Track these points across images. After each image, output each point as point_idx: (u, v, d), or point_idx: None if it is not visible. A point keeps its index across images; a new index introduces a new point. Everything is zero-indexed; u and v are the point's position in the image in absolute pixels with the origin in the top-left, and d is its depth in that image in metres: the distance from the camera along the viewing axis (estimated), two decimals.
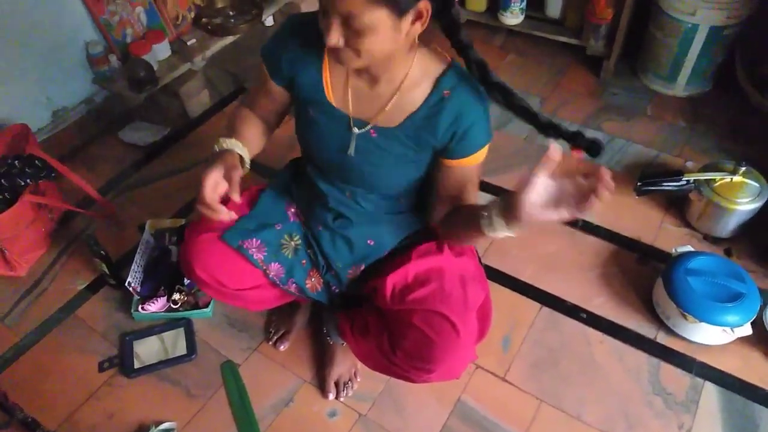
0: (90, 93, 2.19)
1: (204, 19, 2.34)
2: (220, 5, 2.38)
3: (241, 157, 1.15)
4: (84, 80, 2.15)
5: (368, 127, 1.13)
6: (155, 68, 2.12)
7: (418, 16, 0.96)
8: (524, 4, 2.42)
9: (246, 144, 1.18)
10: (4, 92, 1.94)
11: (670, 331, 1.57)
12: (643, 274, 1.71)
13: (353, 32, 0.94)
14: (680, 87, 2.25)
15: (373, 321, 1.30)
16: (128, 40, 2.16)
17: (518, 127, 2.19)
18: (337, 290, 1.37)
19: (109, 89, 2.15)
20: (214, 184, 1.05)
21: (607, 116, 2.21)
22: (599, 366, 1.53)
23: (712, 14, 2.01)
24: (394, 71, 1.08)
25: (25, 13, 1.90)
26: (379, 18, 0.92)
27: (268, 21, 2.48)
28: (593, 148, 1.07)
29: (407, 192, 1.26)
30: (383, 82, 1.10)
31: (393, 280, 1.23)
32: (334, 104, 1.15)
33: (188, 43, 2.25)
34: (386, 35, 0.95)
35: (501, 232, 1.00)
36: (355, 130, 1.14)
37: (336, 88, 1.14)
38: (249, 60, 2.50)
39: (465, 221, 1.10)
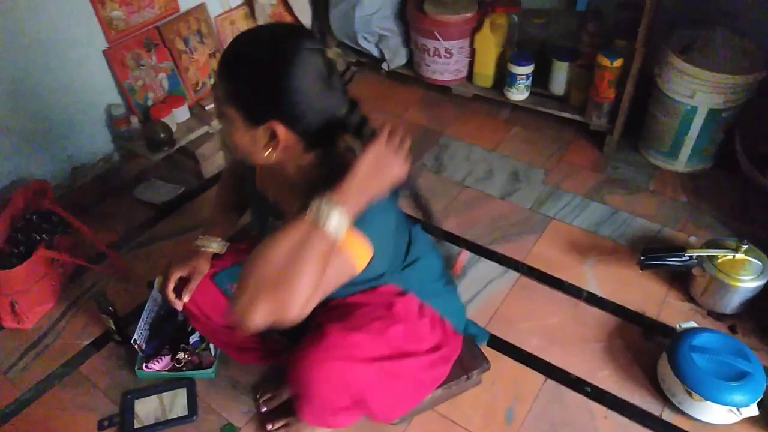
0: (109, 151, 2.24)
1: None
2: None
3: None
4: (104, 139, 2.21)
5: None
6: (174, 130, 2.19)
7: (273, 136, 0.98)
8: (530, 81, 2.49)
9: (223, 227, 1.43)
10: (27, 149, 2.00)
11: (675, 409, 1.54)
12: (648, 349, 1.69)
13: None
14: (681, 163, 2.29)
15: None
16: (149, 103, 2.23)
17: (523, 197, 2.22)
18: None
19: (128, 149, 2.20)
20: (175, 281, 1.35)
21: (609, 189, 2.24)
22: None
23: (710, 98, 2.07)
24: (287, 173, 1.10)
25: (54, 73, 1.97)
26: (234, 114, 0.98)
27: None
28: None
29: None
30: (289, 179, 1.12)
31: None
32: (258, 188, 1.27)
33: (206, 108, 2.33)
34: (242, 133, 1.00)
35: (332, 218, 0.91)
36: (270, 219, 1.24)
37: (262, 176, 1.26)
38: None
39: (283, 235, 0.92)
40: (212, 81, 2.44)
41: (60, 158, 2.11)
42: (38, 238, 1.78)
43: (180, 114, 2.24)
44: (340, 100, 0.99)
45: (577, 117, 2.44)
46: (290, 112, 0.96)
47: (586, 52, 2.35)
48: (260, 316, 0.86)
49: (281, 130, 0.97)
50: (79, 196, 2.16)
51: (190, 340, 1.70)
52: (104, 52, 2.08)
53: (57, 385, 1.67)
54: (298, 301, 0.87)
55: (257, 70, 0.94)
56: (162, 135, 2.10)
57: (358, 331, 1.21)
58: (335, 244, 0.92)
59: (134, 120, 2.16)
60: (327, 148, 1.06)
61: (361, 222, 0.98)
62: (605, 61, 2.20)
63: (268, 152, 1.01)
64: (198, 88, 2.40)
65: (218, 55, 2.43)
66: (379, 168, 0.96)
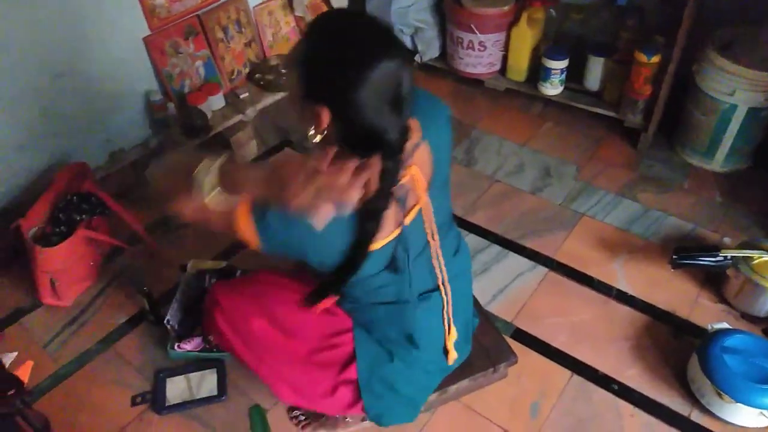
0: (146, 137, 2.28)
1: (257, 75, 2.44)
2: (273, 63, 2.49)
3: None
4: (142, 125, 2.25)
5: None
6: (209, 117, 2.22)
7: (317, 115, 0.95)
8: (564, 76, 2.46)
9: None
10: (69, 132, 2.05)
11: (704, 410, 1.52)
12: (678, 349, 1.67)
13: None
14: (718, 163, 2.25)
15: None
16: (186, 90, 2.26)
17: (553, 192, 2.20)
18: None
19: (165, 134, 2.24)
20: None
21: (642, 187, 2.21)
22: None
23: (750, 96, 2.02)
24: None
25: (96, 59, 2.01)
26: (296, 78, 0.98)
27: None
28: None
29: None
30: None
31: None
32: None
33: (241, 96, 2.35)
34: (294, 97, 1.00)
35: (207, 183, 1.02)
36: None
37: None
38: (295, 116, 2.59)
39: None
40: (249, 70, 2.47)
41: (99, 142, 2.15)
42: (78, 218, 1.82)
43: (215, 102, 2.27)
44: (395, 124, 0.95)
45: (611, 113, 2.40)
46: (342, 111, 0.94)
47: (623, 47, 2.31)
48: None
49: (326, 117, 0.95)
50: (117, 180, 2.21)
51: None
52: (144, 39, 2.11)
53: (93, 360, 1.72)
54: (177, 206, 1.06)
55: (337, 58, 0.92)
56: (198, 121, 2.13)
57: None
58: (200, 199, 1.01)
59: (171, 106, 2.19)
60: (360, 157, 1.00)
61: (262, 216, 1.01)
62: (642, 57, 2.17)
63: (310, 131, 0.99)
64: (233, 77, 2.42)
65: (254, 45, 2.46)
66: (291, 184, 0.92)
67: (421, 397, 1.40)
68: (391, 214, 1.05)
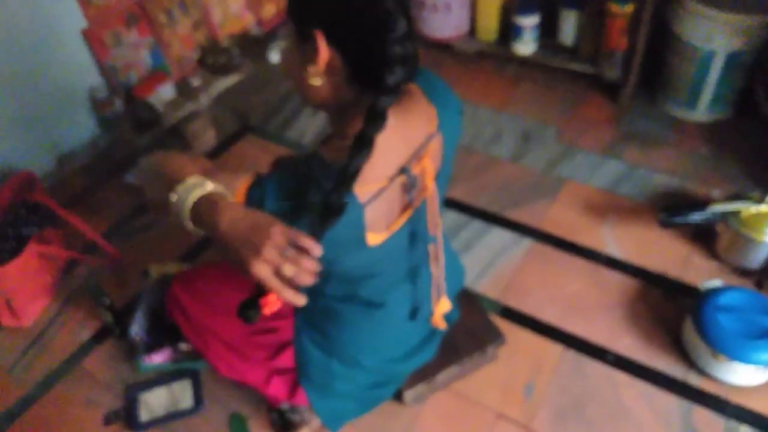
0: (95, 137, 2.25)
1: (209, 59, 2.41)
2: (225, 44, 2.46)
3: None
4: (89, 124, 2.22)
5: None
6: (161, 110, 2.19)
7: (314, 45, 0.93)
8: (536, 33, 2.46)
9: None
10: (10, 139, 2.02)
11: (701, 372, 1.56)
12: (671, 312, 1.70)
13: None
14: (701, 113, 2.27)
15: None
16: (133, 82, 2.23)
17: (535, 159, 2.21)
18: None
19: (114, 132, 2.21)
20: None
21: (626, 145, 2.23)
22: (628, 411, 1.52)
23: (728, 41, 2.04)
24: (331, 118, 1.08)
25: (29, 59, 1.97)
26: (291, 29, 0.97)
27: (273, 58, 2.54)
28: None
29: None
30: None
31: None
32: None
33: (193, 84, 2.32)
34: (294, 54, 0.98)
35: (183, 213, 0.94)
36: None
37: None
38: (254, 98, 2.57)
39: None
40: (199, 54, 2.43)
41: (45, 147, 2.12)
42: (28, 232, 1.79)
43: (165, 92, 2.24)
44: (391, 14, 0.89)
45: (588, 69, 2.41)
46: (330, 18, 0.91)
47: None
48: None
49: (322, 42, 0.92)
50: (68, 186, 2.18)
51: None
52: (83, 31, 2.07)
53: (61, 381, 1.71)
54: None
55: None
56: (146, 115, 2.10)
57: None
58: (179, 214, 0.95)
59: (118, 102, 2.16)
60: (370, 90, 0.94)
61: (253, 192, 0.98)
62: (616, 7, 2.18)
63: (313, 74, 0.95)
64: (182, 63, 2.39)
65: (202, 28, 2.42)
66: (262, 243, 0.84)
67: (368, 398, 1.41)
68: (396, 204, 1.06)
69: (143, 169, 1.14)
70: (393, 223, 1.08)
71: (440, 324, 1.37)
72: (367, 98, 0.92)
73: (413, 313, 1.29)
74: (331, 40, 0.92)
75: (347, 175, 0.88)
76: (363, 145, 0.89)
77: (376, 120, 0.90)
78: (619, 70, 2.34)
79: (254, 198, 0.97)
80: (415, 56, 0.94)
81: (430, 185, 1.11)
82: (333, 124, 1.07)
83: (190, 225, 0.94)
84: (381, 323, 1.26)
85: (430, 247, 1.23)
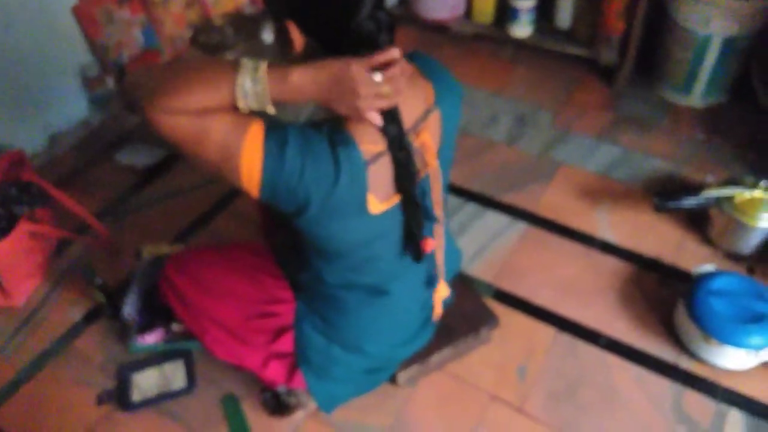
0: (86, 116, 2.22)
1: (201, 38, 2.37)
2: (218, 23, 2.42)
3: None
4: (80, 103, 2.19)
5: None
6: None
7: (289, 33, 0.99)
8: (533, 15, 2.44)
9: None
10: (1, 117, 1.98)
11: (692, 356, 1.57)
12: (664, 296, 1.71)
13: None
14: (696, 98, 2.26)
15: None
16: (125, 61, 2.19)
17: (530, 142, 2.20)
18: None
19: (106, 111, 2.18)
20: None
21: (622, 129, 2.22)
22: (620, 394, 1.53)
23: (725, 25, 2.03)
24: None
25: (19, 37, 1.94)
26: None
27: (267, 38, 2.51)
28: None
29: None
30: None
31: None
32: None
33: None
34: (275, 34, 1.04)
35: (251, 82, 0.91)
36: None
37: None
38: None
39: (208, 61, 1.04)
40: (192, 33, 2.40)
41: (36, 126, 2.09)
42: (18, 211, 1.77)
43: None
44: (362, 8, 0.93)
45: (584, 53, 2.40)
46: (298, 8, 0.96)
47: None
48: (145, 95, 0.93)
49: (295, 31, 0.97)
50: (59, 165, 2.15)
51: None
52: (73, 8, 2.03)
53: (52, 361, 1.70)
54: (167, 98, 0.92)
55: None
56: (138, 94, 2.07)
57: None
58: (232, 102, 0.93)
59: (109, 81, 2.13)
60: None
61: (275, 135, 0.96)
62: None
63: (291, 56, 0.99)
64: (175, 42, 2.35)
65: (196, 6, 2.38)
66: (355, 86, 0.91)
67: (364, 382, 1.42)
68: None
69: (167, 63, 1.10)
70: (392, 196, 1.08)
71: (438, 310, 1.38)
72: None
73: (429, 282, 1.31)
74: (304, 28, 0.96)
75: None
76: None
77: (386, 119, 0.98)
78: (615, 54, 2.33)
79: (276, 139, 0.96)
80: (391, 22, 0.98)
81: (433, 162, 1.11)
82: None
83: (271, 108, 0.93)
84: (385, 310, 1.26)
85: (435, 228, 1.22)
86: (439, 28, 2.65)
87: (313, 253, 1.18)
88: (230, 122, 0.94)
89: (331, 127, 1.00)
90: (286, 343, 1.31)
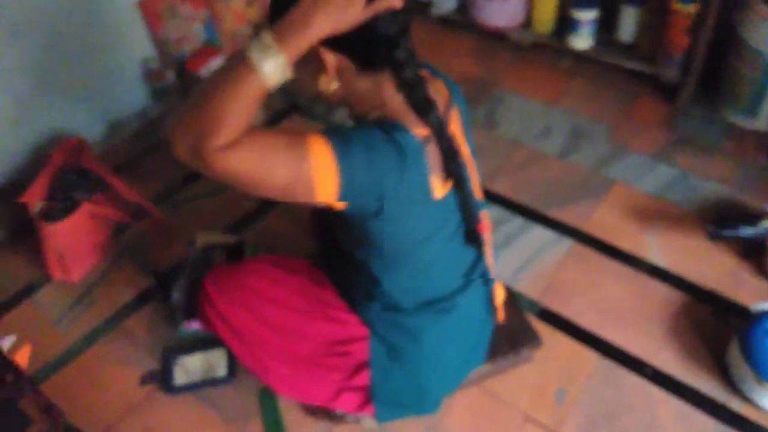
0: (146, 107, 2.23)
1: None
2: None
3: None
4: (140, 94, 2.20)
5: None
6: None
7: (320, 58, 0.98)
8: (594, 27, 2.31)
9: None
10: (64, 105, 2.01)
11: (743, 398, 1.44)
12: (717, 331, 1.58)
13: None
14: (762, 121, 2.10)
15: None
16: (185, 55, 2.17)
17: (583, 157, 2.09)
18: None
19: (164, 103, 2.17)
20: None
21: (680, 150, 2.08)
22: (662, 428, 1.42)
23: None
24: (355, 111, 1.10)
25: (86, 28, 1.96)
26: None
27: None
28: None
29: None
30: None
31: None
32: None
33: None
34: (301, 68, 0.98)
35: (266, 61, 0.84)
36: None
37: None
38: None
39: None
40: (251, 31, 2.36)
41: (96, 114, 2.12)
42: (78, 196, 1.78)
43: (216, 66, 2.17)
44: (390, 23, 0.93)
45: (646, 68, 2.26)
46: (344, 42, 0.94)
47: None
48: (180, 142, 0.85)
49: (326, 53, 0.95)
50: (117, 153, 2.18)
51: None
52: (138, 2, 2.02)
53: (102, 338, 1.70)
54: (211, 137, 0.83)
55: None
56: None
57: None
58: (269, 88, 0.87)
59: (170, 74, 2.12)
60: (382, 68, 0.99)
61: (335, 139, 0.92)
62: (679, 6, 2.03)
63: (325, 81, 0.99)
64: (234, 38, 2.32)
65: (255, 4, 2.34)
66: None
67: (428, 405, 1.35)
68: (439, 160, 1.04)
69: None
70: (445, 183, 1.06)
71: (501, 314, 1.36)
72: (383, 77, 0.99)
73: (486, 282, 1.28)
74: (331, 47, 0.94)
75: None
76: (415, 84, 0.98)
77: (414, 87, 0.98)
78: (677, 71, 2.19)
79: (339, 139, 0.92)
80: (408, 25, 0.98)
81: (465, 150, 1.12)
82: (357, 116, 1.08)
83: (288, 71, 0.87)
84: (454, 329, 1.22)
85: (482, 213, 1.19)
86: (497, 36, 2.54)
87: (377, 263, 1.13)
88: (286, 138, 0.90)
89: (376, 120, 1.00)
90: (362, 379, 1.24)
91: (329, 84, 0.99)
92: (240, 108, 0.84)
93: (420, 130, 1.00)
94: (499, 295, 1.34)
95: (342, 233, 1.15)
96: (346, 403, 1.27)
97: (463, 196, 1.09)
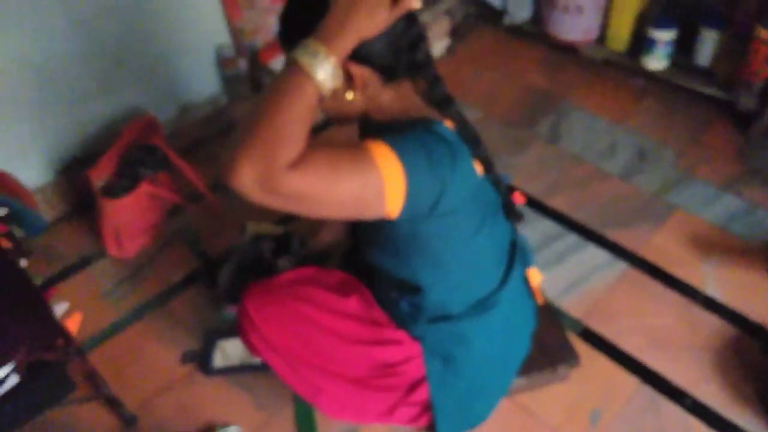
0: (216, 93, 2.33)
1: None
2: None
3: None
4: (212, 80, 2.31)
5: None
6: None
7: (349, 77, 1.01)
8: (671, 49, 2.31)
9: None
10: (140, 85, 2.13)
11: None
12: (765, 369, 1.56)
13: None
14: None
15: None
16: (258, 46, 2.29)
17: (647, 179, 2.09)
18: None
19: (235, 91, 2.28)
20: None
21: (749, 182, 2.05)
22: None
23: None
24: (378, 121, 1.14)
25: (168, 11, 2.07)
26: None
27: None
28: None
29: None
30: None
31: None
32: None
33: None
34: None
35: (319, 66, 0.87)
36: None
37: None
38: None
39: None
40: None
41: (169, 96, 2.23)
42: (142, 173, 1.90)
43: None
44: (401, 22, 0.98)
45: (721, 95, 2.24)
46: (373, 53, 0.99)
47: (742, 20, 2.13)
48: (246, 170, 0.84)
49: (354, 67, 0.98)
50: (184, 136, 2.28)
51: None
52: None
53: (148, 315, 1.81)
54: (280, 154, 0.84)
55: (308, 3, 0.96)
56: (266, 80, 2.16)
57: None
58: (324, 94, 0.90)
59: (242, 63, 2.23)
60: (402, 77, 1.06)
61: (393, 142, 0.95)
62: (763, 33, 1.99)
63: (351, 96, 1.03)
64: None
65: None
66: None
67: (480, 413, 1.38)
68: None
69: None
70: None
71: (540, 298, 1.41)
72: (402, 88, 1.07)
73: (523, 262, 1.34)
74: (358, 59, 0.97)
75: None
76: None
77: (445, 104, 1.07)
78: (755, 100, 2.16)
79: (396, 141, 0.96)
80: (425, 27, 1.06)
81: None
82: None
83: (339, 75, 0.91)
84: (500, 323, 1.26)
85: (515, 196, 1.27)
86: (569, 50, 2.57)
87: (424, 274, 1.16)
88: (346, 149, 0.92)
89: (408, 119, 1.06)
90: (420, 394, 1.26)
91: (354, 99, 1.04)
92: (300, 118, 0.86)
93: (447, 123, 1.06)
94: (535, 278, 1.37)
95: (383, 255, 1.17)
96: (401, 418, 1.29)
97: (494, 175, 1.14)
